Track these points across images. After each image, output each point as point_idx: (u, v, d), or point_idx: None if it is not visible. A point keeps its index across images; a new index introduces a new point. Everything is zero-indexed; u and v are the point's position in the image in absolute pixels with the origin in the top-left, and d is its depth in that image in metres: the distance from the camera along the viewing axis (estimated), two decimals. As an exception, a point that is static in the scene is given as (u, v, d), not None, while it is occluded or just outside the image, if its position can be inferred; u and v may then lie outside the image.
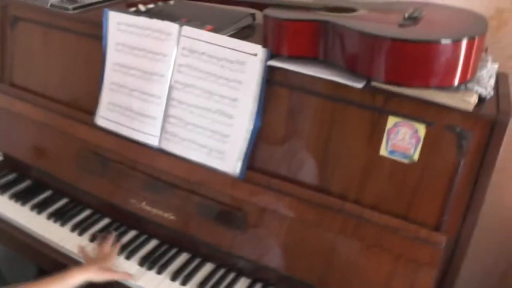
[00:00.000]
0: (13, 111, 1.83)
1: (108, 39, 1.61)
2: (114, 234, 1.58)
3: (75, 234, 1.60)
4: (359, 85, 1.24)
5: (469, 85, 1.19)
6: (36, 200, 1.74)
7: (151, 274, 1.48)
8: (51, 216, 1.66)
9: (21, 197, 1.73)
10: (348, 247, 1.34)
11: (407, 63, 1.12)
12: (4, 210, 1.68)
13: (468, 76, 1.16)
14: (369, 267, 1.32)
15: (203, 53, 1.45)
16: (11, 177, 1.85)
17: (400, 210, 1.32)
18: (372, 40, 1.15)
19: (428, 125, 1.24)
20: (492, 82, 1.26)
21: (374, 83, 1.24)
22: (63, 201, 1.75)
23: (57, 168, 1.74)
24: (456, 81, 1.14)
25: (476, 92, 1.19)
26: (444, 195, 1.27)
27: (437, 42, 1.09)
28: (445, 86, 1.15)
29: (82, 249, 1.53)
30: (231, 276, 1.50)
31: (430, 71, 1.12)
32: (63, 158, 1.73)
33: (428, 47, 1.09)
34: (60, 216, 1.65)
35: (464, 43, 1.10)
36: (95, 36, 1.66)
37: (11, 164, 1.86)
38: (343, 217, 1.33)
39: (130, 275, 1.47)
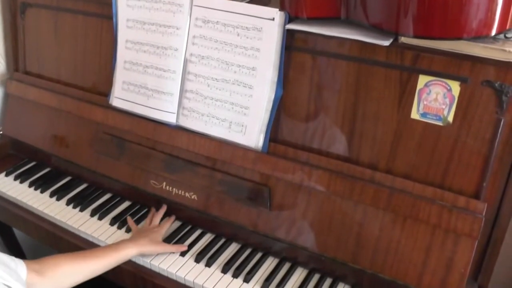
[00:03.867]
0: (28, 99, 1.81)
1: (119, 17, 1.56)
2: (165, 207, 1.55)
3: (95, 219, 1.55)
4: (386, 42, 1.16)
5: (510, 34, 1.09)
6: (55, 186, 1.70)
7: (174, 256, 1.42)
8: (70, 201, 1.62)
9: (40, 185, 1.69)
10: (381, 220, 1.26)
11: (438, 12, 1.03)
12: (24, 198, 1.64)
13: (508, 24, 1.05)
14: (404, 240, 1.24)
15: (217, 22, 1.38)
16: (30, 165, 1.82)
17: (435, 178, 1.23)
18: (398, -10, 1.06)
19: (463, 82, 1.15)
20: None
21: (402, 40, 1.16)
22: (82, 186, 1.71)
23: (75, 154, 1.70)
24: (493, 30, 1.04)
25: (517, 41, 1.09)
26: (483, 159, 1.18)
27: (471, -14, 0.99)
28: (481, 36, 1.05)
29: (130, 220, 1.53)
30: (258, 255, 1.43)
31: (463, 19, 1.02)
32: (80, 143, 1.69)
33: (460, -8, 1.00)
34: (80, 202, 1.61)
35: (501, -15, 1.00)
36: (105, 15, 1.62)
37: (30, 152, 1.82)
38: (375, 188, 1.26)
39: (184, 246, 1.43)
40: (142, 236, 1.41)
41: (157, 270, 1.39)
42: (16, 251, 1.99)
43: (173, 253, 1.42)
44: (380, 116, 1.26)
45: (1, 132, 0.98)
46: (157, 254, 1.41)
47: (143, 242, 1.38)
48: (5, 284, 0.93)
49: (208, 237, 1.49)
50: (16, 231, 1.95)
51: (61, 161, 1.75)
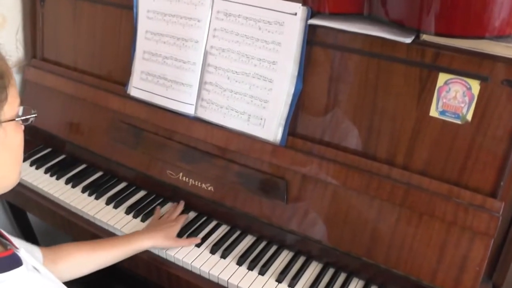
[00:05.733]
0: (46, 85, 1.82)
1: (139, 7, 1.57)
2: (183, 203, 1.56)
3: (110, 207, 1.56)
4: (408, 39, 1.16)
5: (532, 34, 1.09)
6: (71, 173, 1.71)
7: (190, 247, 1.42)
8: (85, 189, 1.63)
9: (56, 171, 1.71)
10: (397, 216, 1.26)
11: (460, 10, 1.03)
12: (39, 184, 1.65)
13: (531, 24, 1.06)
14: (419, 237, 1.24)
15: (239, 16, 1.39)
16: (45, 151, 1.83)
17: (452, 175, 1.24)
18: (422, -12, 1.06)
19: (483, 81, 1.15)
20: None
21: (423, 37, 1.16)
22: (98, 174, 1.72)
23: (91, 141, 1.71)
24: (517, 30, 1.05)
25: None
26: (501, 158, 1.18)
27: (496, -15, 0.99)
28: (504, 35, 1.05)
29: (157, 212, 1.53)
30: (273, 248, 1.44)
31: (486, 18, 1.03)
32: (96, 131, 1.70)
33: (485, -10, 1.00)
34: (95, 189, 1.62)
35: (526, -15, 1.00)
36: (125, 6, 1.63)
37: (46, 138, 1.83)
38: (391, 184, 1.26)
39: (198, 239, 1.44)
40: (158, 230, 1.41)
41: (172, 260, 1.40)
42: (29, 235, 2.00)
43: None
44: (398, 113, 1.26)
45: None
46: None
47: (157, 236, 1.38)
48: (33, 266, 0.95)
49: (223, 229, 1.50)
50: (30, 216, 1.97)
51: (76, 148, 1.76)
